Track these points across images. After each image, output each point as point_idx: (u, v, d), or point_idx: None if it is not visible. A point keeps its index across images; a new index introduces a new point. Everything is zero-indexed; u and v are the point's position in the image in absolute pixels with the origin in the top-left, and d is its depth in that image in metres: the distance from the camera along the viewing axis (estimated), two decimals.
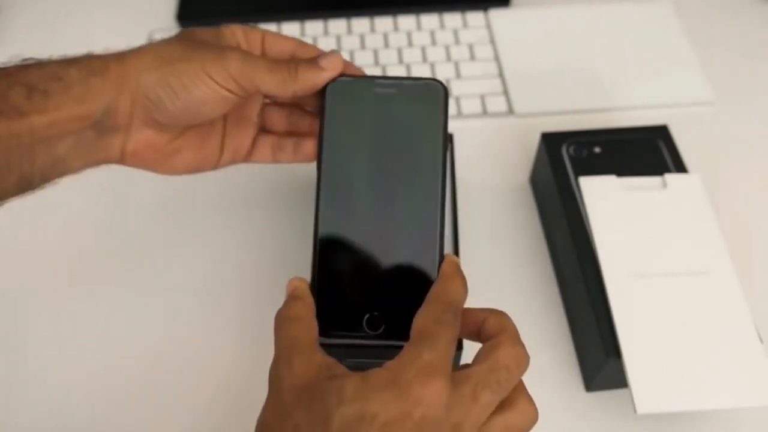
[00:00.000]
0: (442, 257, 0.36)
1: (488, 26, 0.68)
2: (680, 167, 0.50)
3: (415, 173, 0.36)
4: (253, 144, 0.43)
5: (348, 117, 0.37)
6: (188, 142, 0.40)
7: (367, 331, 0.35)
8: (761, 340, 0.41)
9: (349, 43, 0.67)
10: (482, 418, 0.29)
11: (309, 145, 0.42)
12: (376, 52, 0.66)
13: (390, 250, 0.35)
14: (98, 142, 0.36)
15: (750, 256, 0.50)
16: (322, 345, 0.32)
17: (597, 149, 0.51)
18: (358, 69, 0.39)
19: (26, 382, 0.47)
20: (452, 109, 0.61)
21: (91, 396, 0.46)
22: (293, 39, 0.40)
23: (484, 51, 0.66)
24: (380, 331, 0.35)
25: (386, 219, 0.36)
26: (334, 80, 0.37)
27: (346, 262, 0.35)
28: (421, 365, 0.29)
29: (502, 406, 0.30)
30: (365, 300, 0.35)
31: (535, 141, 0.54)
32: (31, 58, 0.36)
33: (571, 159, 0.50)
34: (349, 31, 0.68)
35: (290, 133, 0.43)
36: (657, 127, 0.52)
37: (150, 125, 0.37)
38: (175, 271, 0.52)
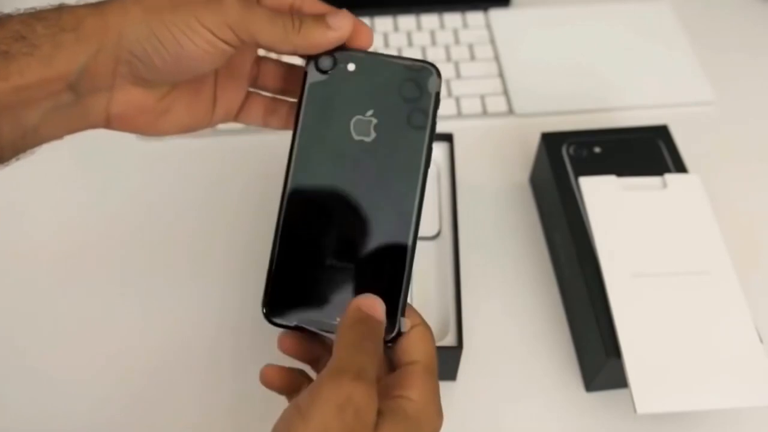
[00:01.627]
0: (412, 257, 0.33)
1: (488, 26, 0.68)
2: (680, 167, 0.50)
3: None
4: (244, 101, 0.39)
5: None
6: (179, 100, 0.36)
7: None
8: (761, 340, 0.41)
9: None
10: None
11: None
12: None
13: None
14: (77, 106, 0.32)
15: (750, 256, 0.50)
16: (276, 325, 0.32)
17: (597, 149, 0.51)
18: (369, 30, 0.35)
19: (26, 377, 0.47)
20: (452, 109, 0.61)
21: (93, 392, 0.46)
22: None
23: (484, 51, 0.66)
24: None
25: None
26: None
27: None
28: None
29: None
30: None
31: (535, 141, 0.54)
32: None
33: (571, 159, 0.50)
34: None
35: (284, 92, 0.39)
36: (657, 127, 0.52)
37: (136, 83, 0.33)
38: (186, 265, 0.52)
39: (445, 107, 0.61)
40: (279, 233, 0.33)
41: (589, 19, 0.69)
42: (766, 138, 0.60)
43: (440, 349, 0.43)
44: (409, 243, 0.33)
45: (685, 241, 0.45)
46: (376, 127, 0.34)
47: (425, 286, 0.46)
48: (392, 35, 0.67)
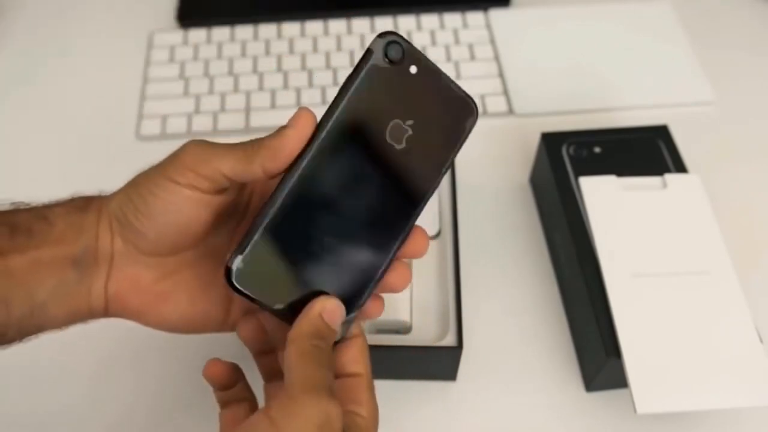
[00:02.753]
0: (386, 270, 0.33)
1: (488, 26, 0.68)
2: (680, 167, 0.50)
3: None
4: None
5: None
6: (181, 284, 0.34)
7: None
8: (761, 340, 0.41)
9: (349, 43, 0.67)
10: None
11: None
12: None
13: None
14: (79, 285, 0.32)
15: (750, 256, 0.50)
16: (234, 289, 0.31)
17: (597, 149, 0.51)
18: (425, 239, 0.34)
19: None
20: None
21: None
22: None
23: (484, 51, 0.66)
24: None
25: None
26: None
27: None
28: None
29: None
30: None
31: (535, 141, 0.54)
32: (21, 202, 0.33)
33: (571, 159, 0.50)
34: (349, 31, 0.68)
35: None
36: (657, 127, 0.52)
37: (133, 260, 0.33)
38: None
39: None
40: (280, 195, 0.32)
41: (589, 18, 0.69)
42: (766, 138, 0.60)
43: (440, 349, 0.43)
44: (388, 258, 0.33)
45: (685, 241, 0.45)
46: (407, 139, 0.33)
47: (425, 286, 0.46)
48: None
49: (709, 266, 0.44)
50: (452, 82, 0.34)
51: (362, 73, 0.32)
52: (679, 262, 0.44)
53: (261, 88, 0.63)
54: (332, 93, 0.61)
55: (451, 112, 0.34)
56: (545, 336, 0.49)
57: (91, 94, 0.64)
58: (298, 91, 0.63)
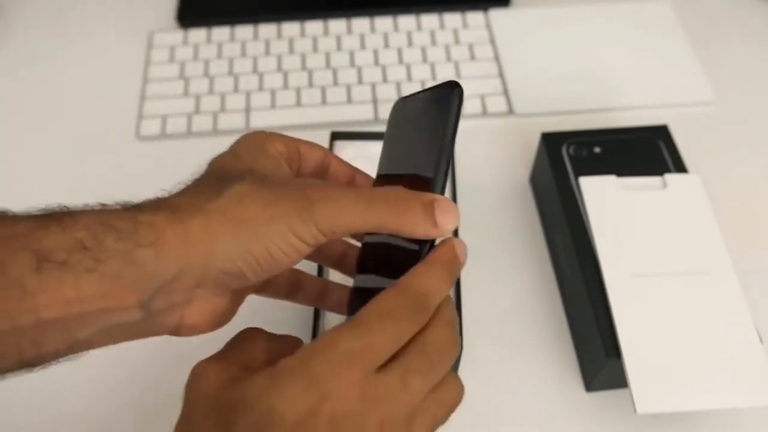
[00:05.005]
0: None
1: (488, 26, 0.68)
2: (680, 167, 0.50)
3: (415, 169, 0.34)
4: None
5: (397, 131, 0.36)
6: (242, 299, 0.33)
7: None
8: (761, 340, 0.41)
9: (349, 43, 0.67)
10: (412, 407, 0.26)
11: (337, 292, 0.37)
12: (376, 52, 0.66)
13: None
14: (146, 323, 0.28)
15: (750, 256, 0.50)
16: None
17: (597, 149, 0.51)
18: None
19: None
20: None
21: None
22: (320, 147, 0.35)
23: (484, 51, 0.66)
24: None
25: None
26: (398, 100, 0.36)
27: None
28: (335, 353, 0.25)
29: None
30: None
31: (535, 141, 0.54)
32: (49, 208, 0.27)
33: (571, 159, 0.50)
34: (349, 31, 0.68)
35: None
36: (657, 127, 0.52)
37: (217, 294, 0.30)
38: None
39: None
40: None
41: (589, 18, 0.69)
42: (766, 138, 0.60)
43: None
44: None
45: (685, 241, 0.45)
46: (407, 147, 0.35)
47: None
48: (392, 35, 0.67)
49: (709, 266, 0.44)
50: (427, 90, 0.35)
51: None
52: (679, 262, 0.44)
53: (261, 88, 0.63)
54: (332, 92, 0.62)
55: (436, 103, 0.34)
56: (545, 336, 0.49)
57: (91, 94, 0.64)
58: (298, 91, 0.63)
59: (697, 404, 0.40)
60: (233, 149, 0.33)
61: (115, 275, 0.26)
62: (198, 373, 0.27)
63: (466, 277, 0.47)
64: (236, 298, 0.32)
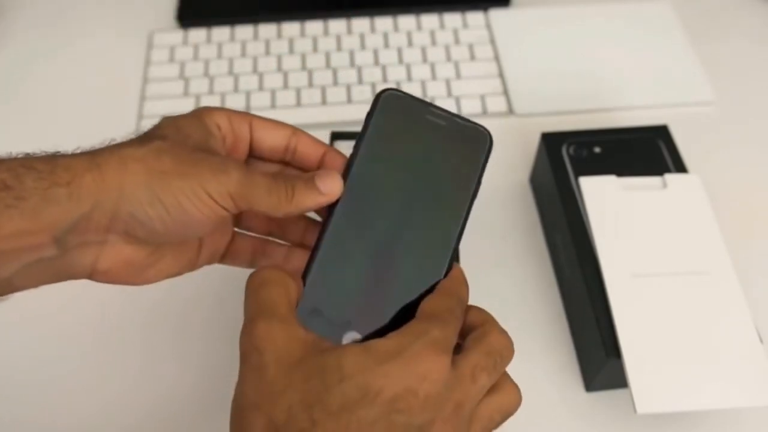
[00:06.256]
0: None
1: (488, 26, 0.68)
2: (680, 167, 0.50)
3: (438, 209, 0.35)
4: (230, 244, 0.37)
5: (392, 130, 0.35)
6: (166, 253, 0.34)
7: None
8: (761, 340, 0.41)
9: (349, 43, 0.67)
10: (478, 399, 0.30)
11: (300, 257, 0.37)
12: (376, 52, 0.66)
13: (390, 275, 0.34)
14: (60, 260, 0.30)
15: (750, 256, 0.50)
16: None
17: (597, 149, 0.51)
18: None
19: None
20: (452, 109, 0.61)
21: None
22: (284, 126, 0.36)
23: (484, 51, 0.66)
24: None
25: (395, 243, 0.34)
26: (388, 90, 0.36)
27: (344, 270, 0.34)
28: (429, 340, 0.28)
29: (491, 389, 0.31)
30: (349, 315, 0.33)
31: (535, 141, 0.54)
32: None
33: (571, 159, 0.50)
34: (349, 31, 0.68)
35: (270, 233, 0.39)
36: (657, 127, 0.52)
37: (129, 241, 0.31)
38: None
39: (446, 107, 0.61)
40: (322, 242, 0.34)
41: (589, 18, 0.69)
42: (766, 138, 0.60)
43: None
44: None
45: (685, 241, 0.45)
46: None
47: None
48: (392, 35, 0.67)
49: (709, 266, 0.44)
50: (456, 115, 0.36)
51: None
52: (679, 262, 0.44)
53: (261, 88, 0.63)
54: (332, 92, 0.62)
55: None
56: (545, 336, 0.49)
57: (91, 94, 0.64)
58: (298, 91, 0.63)
59: (697, 404, 0.40)
60: (175, 117, 0.34)
61: (32, 212, 0.28)
62: (267, 330, 0.28)
63: (465, 276, 0.47)
64: (154, 255, 0.33)
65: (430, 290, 0.33)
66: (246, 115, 0.35)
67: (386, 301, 0.33)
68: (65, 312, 0.49)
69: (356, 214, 0.34)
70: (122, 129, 0.61)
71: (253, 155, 0.36)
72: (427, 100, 0.38)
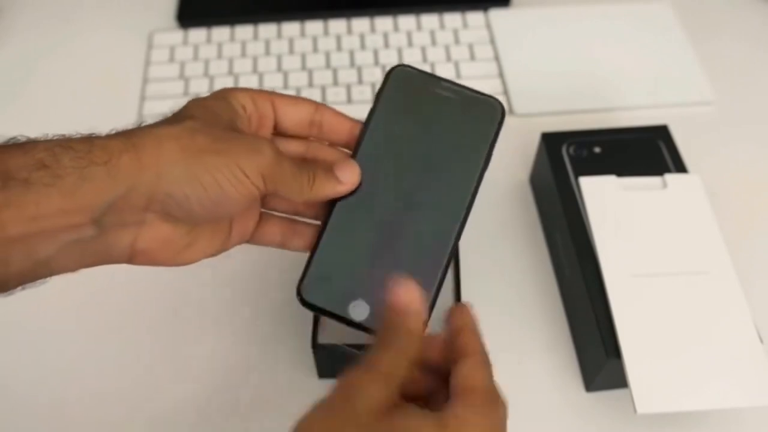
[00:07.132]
0: (446, 270, 0.35)
1: (488, 26, 0.68)
2: (680, 167, 0.50)
3: (447, 180, 0.35)
4: (258, 224, 0.37)
5: (402, 104, 0.36)
6: (202, 233, 0.34)
7: (351, 317, 0.34)
8: (761, 340, 0.41)
9: (349, 43, 0.67)
10: None
11: None
12: (376, 52, 0.66)
13: (398, 245, 0.35)
14: (99, 240, 0.30)
15: (750, 256, 0.50)
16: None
17: (597, 149, 0.51)
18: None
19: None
20: None
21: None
22: (307, 102, 0.36)
23: (484, 51, 0.66)
24: (362, 319, 0.34)
25: (405, 214, 0.35)
26: (399, 66, 0.37)
27: (353, 240, 0.35)
28: (487, 397, 0.31)
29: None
30: (356, 284, 0.34)
31: (535, 141, 0.54)
32: (14, 138, 0.30)
33: (571, 159, 0.50)
34: (349, 31, 0.68)
35: (297, 213, 0.38)
36: (657, 127, 0.52)
37: (166, 220, 0.31)
38: None
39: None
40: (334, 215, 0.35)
41: (589, 18, 0.69)
42: (766, 138, 0.60)
43: None
44: (442, 268, 0.35)
45: (685, 241, 0.45)
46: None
47: None
48: (392, 35, 0.67)
49: (709, 266, 0.44)
50: (468, 88, 0.38)
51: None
52: (679, 262, 0.44)
53: (261, 88, 0.63)
54: (332, 92, 0.62)
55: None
56: (545, 336, 0.49)
57: (91, 95, 0.64)
58: (298, 91, 0.63)
59: (697, 404, 0.40)
60: (202, 99, 0.34)
61: (70, 191, 0.28)
62: (354, 384, 0.28)
63: (465, 276, 0.47)
64: (190, 234, 0.33)
65: (437, 261, 0.34)
66: (267, 93, 0.36)
67: (394, 271, 0.33)
68: (65, 312, 0.49)
69: (366, 186, 0.35)
70: None
71: (278, 132, 0.37)
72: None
